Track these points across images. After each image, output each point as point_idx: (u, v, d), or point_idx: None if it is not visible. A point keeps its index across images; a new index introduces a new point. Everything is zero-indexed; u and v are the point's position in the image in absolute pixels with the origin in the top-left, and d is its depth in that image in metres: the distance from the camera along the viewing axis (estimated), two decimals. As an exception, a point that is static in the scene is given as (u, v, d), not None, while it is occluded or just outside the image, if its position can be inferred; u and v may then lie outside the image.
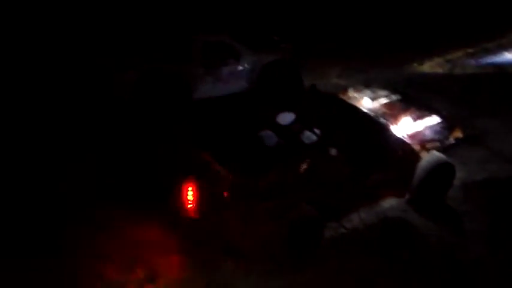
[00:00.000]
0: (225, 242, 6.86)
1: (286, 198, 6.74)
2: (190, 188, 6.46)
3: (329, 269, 6.88)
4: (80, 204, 7.63)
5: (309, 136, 7.40)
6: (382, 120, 7.97)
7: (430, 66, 13.86)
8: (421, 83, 12.37)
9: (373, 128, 7.76)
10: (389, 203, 8.11)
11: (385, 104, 8.71)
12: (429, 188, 7.89)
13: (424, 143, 7.93)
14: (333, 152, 7.16)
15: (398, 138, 7.72)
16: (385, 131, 7.70)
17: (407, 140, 7.80)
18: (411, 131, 8.02)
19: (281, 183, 6.70)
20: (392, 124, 8.04)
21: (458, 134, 8.38)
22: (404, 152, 7.71)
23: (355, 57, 13.52)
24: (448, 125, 8.39)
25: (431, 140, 8.05)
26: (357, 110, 8.15)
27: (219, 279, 6.56)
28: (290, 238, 6.80)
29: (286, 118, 7.69)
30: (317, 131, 7.49)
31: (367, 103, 8.70)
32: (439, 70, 13.64)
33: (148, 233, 7.23)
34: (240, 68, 10.31)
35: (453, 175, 8.05)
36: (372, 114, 8.09)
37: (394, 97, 8.93)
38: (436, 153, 7.94)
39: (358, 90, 9.13)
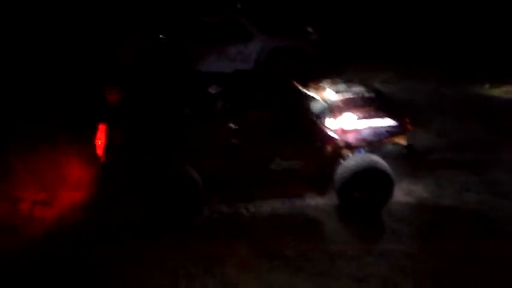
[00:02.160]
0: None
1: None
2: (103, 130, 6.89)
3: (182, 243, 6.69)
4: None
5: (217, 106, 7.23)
6: (316, 109, 7.45)
7: (504, 91, 12.05)
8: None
9: (296, 114, 7.19)
10: (315, 201, 7.54)
11: (345, 98, 8.03)
12: (356, 192, 7.11)
13: (353, 141, 7.18)
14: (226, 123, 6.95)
15: (322, 130, 7.09)
16: (308, 120, 7.12)
17: (333, 134, 7.15)
18: (348, 127, 7.34)
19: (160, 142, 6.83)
20: (332, 117, 7.46)
21: (401, 141, 7.40)
22: (323, 145, 7.06)
23: (423, 69, 12.35)
24: (398, 130, 7.44)
25: (363, 140, 7.24)
26: (294, 96, 7.63)
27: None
28: (162, 196, 6.74)
29: (213, 89, 7.60)
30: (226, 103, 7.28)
31: (329, 94, 8.13)
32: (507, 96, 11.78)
33: (67, 166, 7.76)
34: (249, 48, 10.26)
35: (389, 185, 7.11)
36: (308, 103, 7.53)
37: (364, 94, 8.17)
38: (369, 156, 7.14)
39: (332, 83, 8.53)
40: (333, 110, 7.67)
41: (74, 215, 7.07)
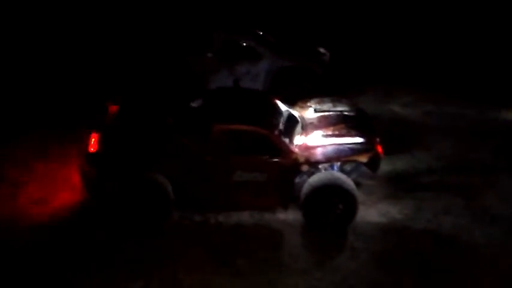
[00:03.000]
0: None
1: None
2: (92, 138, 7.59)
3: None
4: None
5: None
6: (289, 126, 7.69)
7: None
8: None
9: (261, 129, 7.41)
10: (285, 216, 7.69)
11: (321, 116, 8.18)
12: (318, 208, 7.19)
13: (313, 157, 7.31)
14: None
15: (284, 146, 7.27)
16: (272, 136, 7.31)
17: (295, 150, 7.31)
18: (312, 144, 7.52)
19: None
20: (302, 134, 7.63)
21: (363, 159, 7.37)
22: (284, 160, 7.23)
23: (446, 92, 11.95)
24: (364, 148, 7.46)
25: (323, 157, 7.34)
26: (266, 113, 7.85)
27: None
28: (133, 202, 7.20)
29: (195, 103, 8.01)
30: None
31: (308, 113, 8.29)
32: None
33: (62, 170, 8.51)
34: (258, 69, 10.55)
35: (352, 203, 7.12)
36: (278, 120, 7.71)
37: (343, 113, 8.24)
38: (332, 173, 7.21)
39: (319, 102, 8.64)
40: (305, 127, 7.82)
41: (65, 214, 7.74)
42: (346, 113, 8.23)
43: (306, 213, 7.27)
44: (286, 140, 7.45)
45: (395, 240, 7.25)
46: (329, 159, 7.34)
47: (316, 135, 7.61)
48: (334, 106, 8.46)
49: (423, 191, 8.30)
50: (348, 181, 7.15)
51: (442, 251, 7.06)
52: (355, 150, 7.40)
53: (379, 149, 7.59)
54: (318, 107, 8.41)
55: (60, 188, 8.15)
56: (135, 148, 7.45)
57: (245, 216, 7.69)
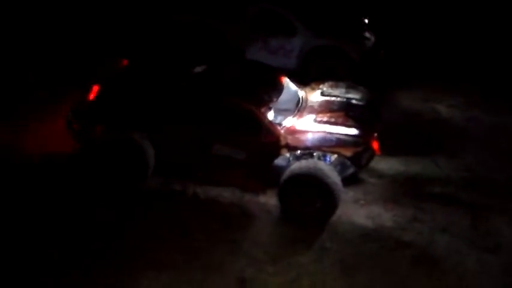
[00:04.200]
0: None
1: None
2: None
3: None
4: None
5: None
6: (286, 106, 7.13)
7: None
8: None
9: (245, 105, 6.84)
10: (266, 199, 7.15)
11: (325, 100, 7.46)
12: (295, 197, 6.56)
13: (294, 142, 6.69)
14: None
15: (268, 125, 6.65)
16: (257, 113, 6.73)
17: (278, 132, 6.67)
18: (299, 128, 6.88)
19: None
20: (296, 116, 6.97)
21: (347, 153, 6.59)
22: (265, 139, 6.63)
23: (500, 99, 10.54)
24: (354, 141, 6.68)
25: (306, 143, 6.66)
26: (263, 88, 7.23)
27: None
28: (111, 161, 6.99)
29: (198, 68, 7.58)
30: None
31: (314, 95, 7.58)
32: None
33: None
34: (292, 45, 9.80)
35: (330, 197, 6.42)
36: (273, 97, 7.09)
37: (350, 100, 7.43)
38: (315, 163, 6.51)
39: (333, 85, 7.87)
40: (302, 109, 7.14)
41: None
42: (353, 101, 7.42)
43: (281, 200, 6.67)
44: (277, 120, 6.84)
45: (372, 250, 6.44)
46: (309, 147, 6.65)
47: (307, 119, 6.91)
48: (346, 92, 7.65)
49: (428, 201, 7.28)
50: (331, 174, 6.43)
51: (417, 273, 6.13)
52: (341, 141, 6.67)
53: (374, 145, 6.75)
54: (327, 90, 7.66)
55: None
56: (127, 105, 7.20)
57: (225, 193, 7.24)
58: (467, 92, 10.54)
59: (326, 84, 7.90)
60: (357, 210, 7.06)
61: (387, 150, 8.21)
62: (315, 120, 6.91)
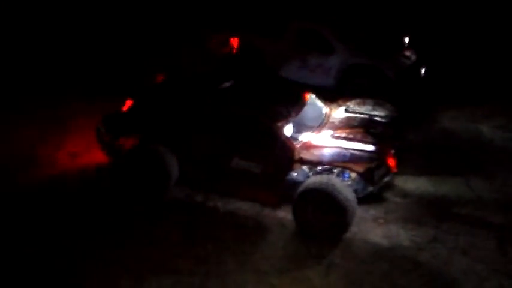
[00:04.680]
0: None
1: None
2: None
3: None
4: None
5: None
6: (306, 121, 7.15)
7: None
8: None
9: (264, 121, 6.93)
10: (284, 214, 7.10)
11: (347, 116, 7.45)
12: (309, 213, 6.52)
13: (308, 156, 6.65)
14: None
15: (284, 140, 6.69)
16: (275, 128, 6.80)
17: (295, 146, 6.69)
18: (314, 143, 6.85)
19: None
20: (314, 131, 6.98)
21: (358, 168, 6.45)
22: (280, 154, 6.67)
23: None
24: (369, 158, 6.50)
25: (320, 158, 6.58)
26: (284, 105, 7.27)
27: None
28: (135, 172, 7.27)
29: (225, 84, 7.78)
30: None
31: (338, 112, 7.56)
32: None
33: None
34: (330, 63, 9.77)
35: (342, 214, 6.31)
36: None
37: (373, 117, 7.32)
38: (329, 179, 6.44)
39: (358, 102, 7.79)
40: (322, 125, 7.13)
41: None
42: (376, 118, 7.28)
43: (295, 215, 6.64)
44: (296, 135, 6.87)
45: (382, 269, 6.20)
46: (322, 162, 6.58)
47: (324, 135, 6.87)
48: (372, 110, 7.57)
49: (453, 222, 6.94)
50: (344, 190, 6.32)
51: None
52: (355, 157, 6.53)
53: (391, 162, 6.57)
54: (352, 107, 7.59)
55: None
56: (155, 118, 7.51)
57: (244, 206, 7.31)
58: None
59: (353, 101, 7.85)
60: (374, 229, 6.87)
61: (417, 170, 8.09)
62: (332, 136, 6.89)
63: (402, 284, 6.01)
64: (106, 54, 11.92)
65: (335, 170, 6.72)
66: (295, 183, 6.68)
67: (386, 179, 6.85)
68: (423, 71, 10.04)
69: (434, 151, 8.68)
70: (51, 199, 7.45)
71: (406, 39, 10.28)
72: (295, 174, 6.72)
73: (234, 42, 10.55)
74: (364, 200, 7.05)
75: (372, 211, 7.19)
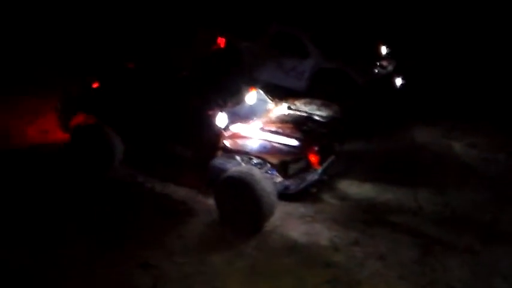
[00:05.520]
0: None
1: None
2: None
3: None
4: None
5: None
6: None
7: None
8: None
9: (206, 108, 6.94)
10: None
11: (285, 114, 7.40)
12: (228, 200, 6.47)
13: (230, 145, 6.66)
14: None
15: (215, 128, 6.71)
16: (205, 116, 6.83)
17: (222, 134, 6.69)
18: (240, 133, 6.83)
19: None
20: (244, 123, 7.00)
21: (272, 159, 6.44)
22: (208, 141, 6.67)
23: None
24: (290, 151, 6.42)
25: (241, 148, 6.54)
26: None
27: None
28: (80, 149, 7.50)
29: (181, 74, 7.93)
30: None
31: (279, 109, 7.51)
32: None
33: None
34: (304, 67, 9.68)
35: (257, 207, 6.21)
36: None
37: (311, 115, 7.21)
38: (248, 168, 6.39)
39: (308, 102, 7.76)
40: (257, 118, 7.10)
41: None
42: (315, 117, 7.15)
43: (216, 202, 6.59)
44: (229, 125, 6.86)
45: (292, 264, 5.99)
46: (241, 151, 6.51)
47: (253, 127, 6.81)
48: (316, 110, 7.44)
49: (381, 228, 6.66)
50: (262, 181, 6.19)
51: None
52: (273, 149, 6.43)
53: (312, 158, 6.41)
54: (296, 106, 7.49)
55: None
56: (107, 100, 7.68)
57: (180, 191, 7.32)
58: (499, 133, 9.56)
59: (302, 100, 7.75)
60: (298, 226, 6.69)
61: (366, 176, 7.87)
62: (261, 129, 6.81)
63: (305, 279, 5.80)
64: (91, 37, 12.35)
65: (255, 161, 6.65)
66: (223, 171, 6.63)
67: (312, 177, 6.65)
68: (399, 82, 9.77)
69: (392, 161, 8.40)
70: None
71: (384, 49, 10.06)
72: (222, 161, 6.68)
73: (221, 41, 10.68)
74: (297, 198, 6.97)
75: (302, 209, 7.03)
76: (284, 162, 6.37)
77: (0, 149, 8.33)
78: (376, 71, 9.57)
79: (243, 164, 6.63)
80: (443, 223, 6.86)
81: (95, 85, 8.06)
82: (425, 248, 6.34)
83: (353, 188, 7.60)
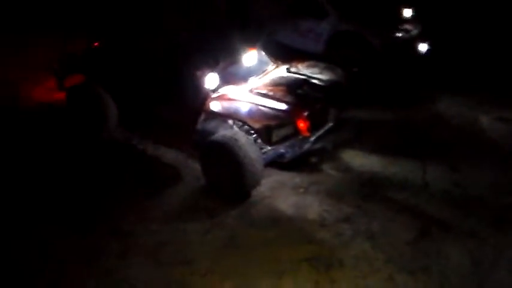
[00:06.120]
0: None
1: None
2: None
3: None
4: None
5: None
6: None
7: None
8: None
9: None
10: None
11: (282, 76, 6.77)
12: (213, 165, 6.08)
13: (216, 108, 6.24)
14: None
15: (203, 90, 6.25)
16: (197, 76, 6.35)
17: (210, 96, 6.22)
18: (230, 96, 6.33)
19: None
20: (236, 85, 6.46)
21: (254, 124, 6.00)
22: (193, 103, 6.27)
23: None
24: (274, 116, 5.93)
25: (227, 111, 6.05)
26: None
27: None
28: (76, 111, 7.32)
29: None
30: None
31: (278, 71, 6.96)
32: None
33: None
34: (321, 27, 8.94)
35: (238, 172, 5.78)
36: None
37: (309, 79, 6.59)
38: (234, 132, 5.92)
39: (309, 65, 7.10)
40: (250, 80, 6.56)
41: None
42: (314, 81, 6.51)
43: (201, 166, 6.19)
44: (219, 86, 6.38)
45: (269, 237, 5.54)
46: (224, 114, 6.01)
47: (243, 89, 6.28)
48: (318, 73, 6.76)
49: (378, 204, 6.03)
50: (246, 147, 5.72)
51: (303, 270, 5.13)
52: (258, 113, 5.90)
53: (300, 124, 5.83)
54: (296, 68, 6.87)
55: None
56: (104, 62, 7.36)
57: (171, 154, 7.00)
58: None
59: (306, 63, 7.11)
60: (288, 197, 6.20)
61: (374, 148, 7.21)
62: (251, 91, 6.26)
63: (282, 255, 5.33)
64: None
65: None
66: (209, 134, 6.19)
67: (308, 145, 6.09)
68: (424, 47, 8.86)
69: (408, 133, 7.66)
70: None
71: (408, 12, 9.12)
72: (211, 125, 6.23)
73: None
74: (293, 167, 6.48)
75: (297, 179, 6.52)
76: (267, 126, 5.85)
77: (9, 108, 8.37)
78: (398, 35, 8.69)
79: (235, 129, 6.15)
80: (449, 203, 6.12)
81: (94, 45, 7.77)
82: (422, 229, 5.67)
83: (357, 159, 6.97)
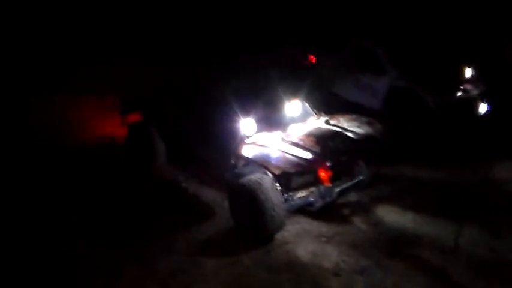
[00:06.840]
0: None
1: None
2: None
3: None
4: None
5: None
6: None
7: None
8: None
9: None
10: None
11: (319, 127, 7.01)
12: (238, 207, 6.37)
13: (245, 153, 6.56)
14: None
15: (236, 135, 6.69)
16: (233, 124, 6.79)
17: (240, 143, 6.66)
18: (258, 143, 6.62)
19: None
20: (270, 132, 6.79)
21: (274, 170, 6.13)
22: (227, 148, 6.67)
23: None
24: (296, 164, 6.05)
25: (253, 157, 6.35)
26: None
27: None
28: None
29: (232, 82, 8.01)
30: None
31: (317, 122, 7.16)
32: None
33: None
34: (379, 84, 8.97)
35: (259, 216, 5.97)
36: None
37: (344, 132, 6.67)
38: (260, 177, 6.15)
39: (350, 119, 7.23)
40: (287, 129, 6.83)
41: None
42: (348, 134, 6.59)
43: (229, 207, 6.48)
44: (255, 133, 6.74)
45: (279, 282, 5.58)
46: (249, 159, 6.27)
47: (275, 136, 6.54)
48: (355, 127, 6.86)
49: (398, 262, 5.83)
50: (269, 192, 5.91)
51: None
52: (280, 159, 6.06)
53: (321, 173, 5.92)
54: (335, 121, 7.02)
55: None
56: (159, 104, 8.06)
57: (210, 194, 7.41)
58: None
59: (347, 116, 7.24)
60: (309, 244, 6.23)
61: (412, 205, 7.05)
62: (282, 139, 6.50)
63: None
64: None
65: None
66: (239, 177, 6.49)
67: (333, 196, 6.17)
68: (484, 108, 8.53)
69: (454, 194, 7.38)
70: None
71: (469, 71, 8.87)
72: (241, 168, 6.54)
73: (312, 58, 10.51)
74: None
75: (324, 228, 6.54)
76: (286, 173, 6.01)
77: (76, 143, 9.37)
78: (455, 94, 8.49)
79: (262, 173, 6.41)
80: (478, 269, 5.79)
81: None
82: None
83: (391, 215, 6.83)
